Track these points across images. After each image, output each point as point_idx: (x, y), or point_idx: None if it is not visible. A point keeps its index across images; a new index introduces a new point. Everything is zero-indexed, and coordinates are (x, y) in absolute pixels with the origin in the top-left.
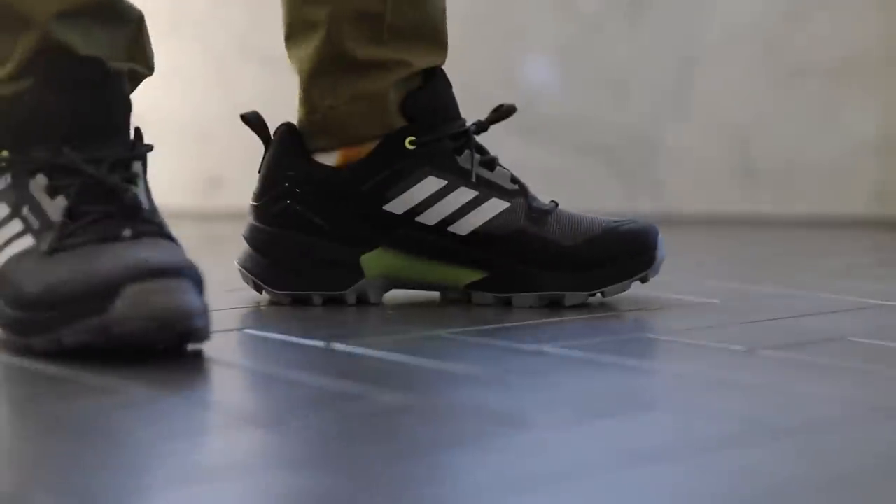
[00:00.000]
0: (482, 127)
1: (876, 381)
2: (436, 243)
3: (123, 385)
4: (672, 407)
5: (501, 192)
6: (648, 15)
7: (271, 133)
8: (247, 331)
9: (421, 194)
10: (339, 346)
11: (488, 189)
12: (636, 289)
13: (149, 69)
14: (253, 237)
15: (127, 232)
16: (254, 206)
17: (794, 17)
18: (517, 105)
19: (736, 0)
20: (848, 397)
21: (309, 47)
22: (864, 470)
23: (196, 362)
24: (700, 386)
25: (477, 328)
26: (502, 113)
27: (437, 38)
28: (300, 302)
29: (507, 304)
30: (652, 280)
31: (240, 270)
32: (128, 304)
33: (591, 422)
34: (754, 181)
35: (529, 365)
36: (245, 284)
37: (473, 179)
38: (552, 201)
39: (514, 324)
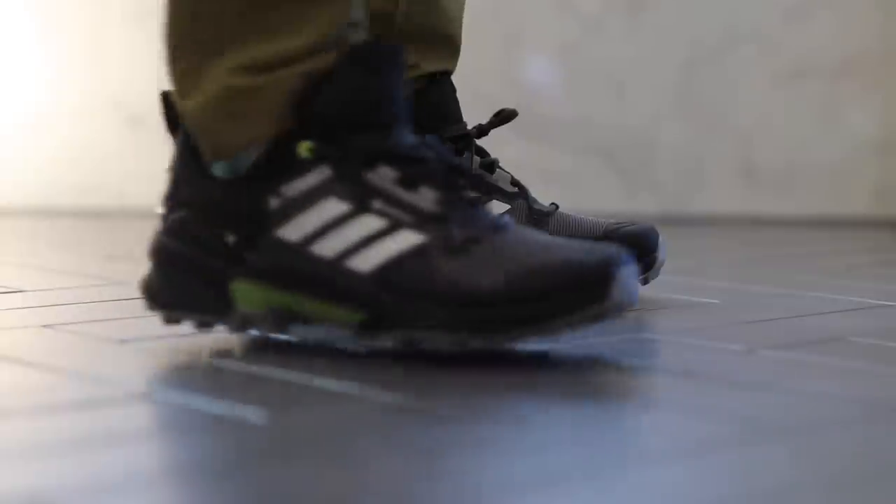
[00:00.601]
0: (483, 131)
1: (876, 381)
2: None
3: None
4: (672, 407)
5: (501, 195)
6: (648, 15)
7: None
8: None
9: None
10: (338, 347)
11: (488, 191)
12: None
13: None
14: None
15: (506, 219)
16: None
17: (794, 17)
18: (517, 105)
19: (736, 0)
20: (848, 397)
21: None
22: (865, 470)
23: (195, 362)
24: (700, 386)
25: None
26: (504, 117)
27: (449, 43)
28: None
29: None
30: (652, 281)
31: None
32: (620, 289)
33: (591, 422)
34: (754, 181)
35: (529, 365)
36: None
37: (471, 182)
38: (552, 203)
39: None
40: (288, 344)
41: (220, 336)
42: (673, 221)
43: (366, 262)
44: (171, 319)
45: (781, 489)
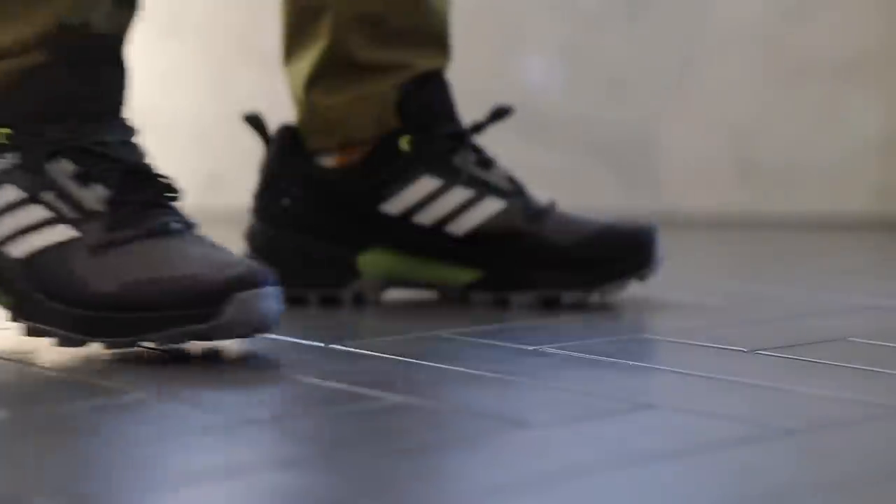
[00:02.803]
0: (479, 127)
1: (876, 381)
2: (432, 243)
3: (122, 386)
4: (672, 407)
5: (497, 192)
6: (648, 15)
7: (271, 134)
8: None
9: (416, 195)
10: (338, 347)
11: (484, 189)
12: (636, 289)
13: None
14: (252, 237)
15: (176, 224)
16: (253, 206)
17: (794, 17)
18: (517, 104)
19: (736, 0)
20: (848, 398)
21: (312, 51)
22: (865, 470)
23: (195, 362)
24: (700, 386)
25: (477, 328)
26: (499, 114)
27: (438, 41)
28: (296, 301)
29: (505, 303)
30: (652, 280)
31: None
32: (236, 313)
33: (591, 422)
34: (754, 181)
35: (529, 365)
36: None
37: (470, 177)
38: (550, 201)
39: (514, 324)
40: (283, 343)
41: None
42: (672, 221)
43: (18, 248)
44: None
45: (781, 489)
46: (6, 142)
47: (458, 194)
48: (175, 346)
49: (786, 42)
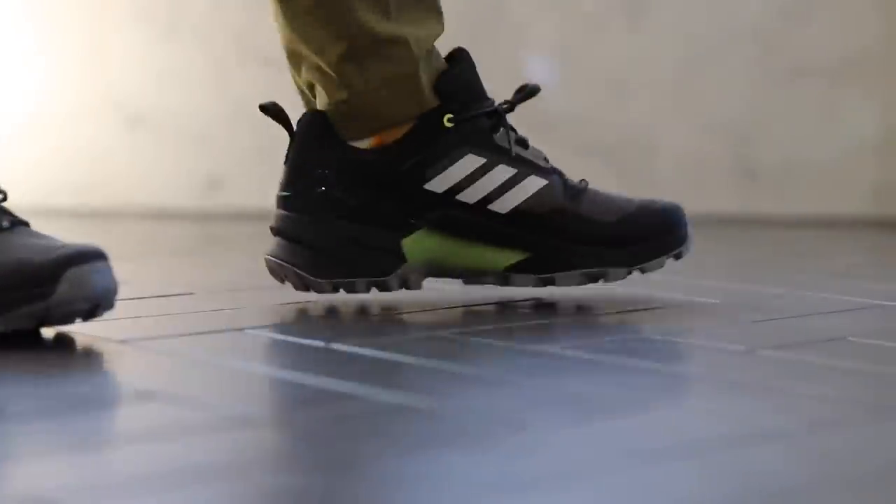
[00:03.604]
0: (511, 107)
1: (876, 381)
2: (477, 222)
3: (107, 382)
4: (672, 407)
5: (539, 170)
6: (648, 15)
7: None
8: (246, 331)
9: (461, 172)
10: (338, 347)
11: (526, 167)
12: (638, 288)
13: None
14: (287, 227)
15: (5, 223)
16: (284, 196)
17: (793, 17)
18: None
19: (735, 0)
20: (848, 397)
21: (327, 36)
22: (865, 470)
23: (195, 362)
24: (700, 386)
25: (477, 328)
26: (527, 93)
27: (433, 6)
28: (344, 290)
29: (550, 283)
30: (651, 278)
31: (274, 263)
32: (70, 287)
33: (591, 422)
34: (754, 181)
35: (529, 365)
36: (248, 286)
37: (513, 155)
38: (582, 180)
39: (515, 324)
40: (283, 343)
41: (221, 336)
42: None
43: None
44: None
45: (781, 489)
46: None
47: (502, 172)
48: (23, 328)
49: (784, 42)
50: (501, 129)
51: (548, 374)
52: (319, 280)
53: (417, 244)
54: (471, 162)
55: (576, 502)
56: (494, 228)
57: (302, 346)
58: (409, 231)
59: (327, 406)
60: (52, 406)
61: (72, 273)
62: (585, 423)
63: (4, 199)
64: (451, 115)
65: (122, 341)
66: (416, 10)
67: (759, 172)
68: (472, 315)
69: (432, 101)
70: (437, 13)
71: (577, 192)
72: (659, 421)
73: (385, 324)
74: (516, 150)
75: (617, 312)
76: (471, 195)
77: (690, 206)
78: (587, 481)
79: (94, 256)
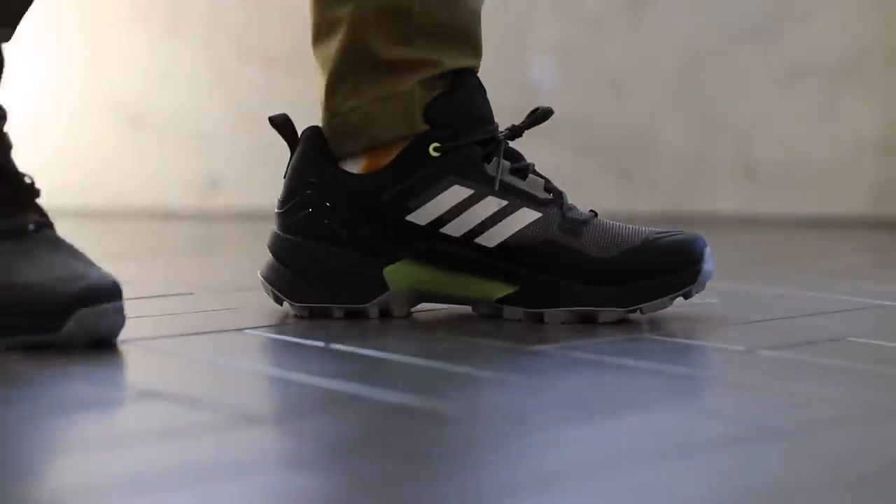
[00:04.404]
0: (516, 132)
1: (876, 381)
2: (463, 256)
3: (108, 382)
4: (672, 407)
5: (533, 202)
6: (648, 15)
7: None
8: (247, 331)
9: (446, 204)
10: (339, 347)
11: (518, 198)
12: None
13: None
14: (274, 246)
15: (31, 225)
16: (277, 213)
17: (793, 17)
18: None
19: (735, 0)
20: (848, 397)
21: (332, 46)
22: (865, 470)
23: (196, 362)
24: (700, 386)
25: (477, 328)
26: (537, 117)
27: (468, 41)
28: (319, 315)
29: (539, 320)
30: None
31: (261, 281)
32: (79, 328)
33: (591, 422)
34: (754, 181)
35: (530, 365)
36: (248, 286)
37: (496, 188)
38: (591, 211)
39: (515, 324)
40: (283, 344)
41: (222, 336)
42: (672, 221)
43: None
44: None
45: (781, 489)
46: None
47: (491, 204)
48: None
49: (785, 42)
50: (496, 157)
51: (548, 374)
52: (294, 304)
53: (401, 273)
54: (456, 193)
55: (576, 502)
56: (482, 261)
57: (302, 346)
58: (392, 260)
59: (327, 406)
60: (54, 406)
61: (82, 314)
62: (586, 423)
63: (38, 195)
64: (437, 144)
65: (123, 341)
66: (443, 39)
67: (759, 172)
68: (472, 315)
69: (422, 127)
70: (471, 47)
71: (579, 224)
72: (659, 421)
73: (385, 324)
74: (509, 179)
75: None
76: (456, 228)
77: (690, 205)
78: (588, 481)
79: (106, 296)
